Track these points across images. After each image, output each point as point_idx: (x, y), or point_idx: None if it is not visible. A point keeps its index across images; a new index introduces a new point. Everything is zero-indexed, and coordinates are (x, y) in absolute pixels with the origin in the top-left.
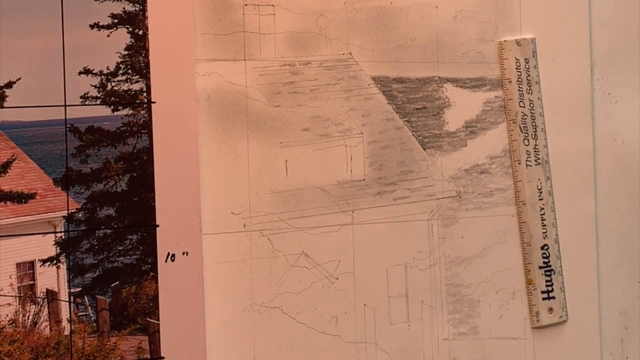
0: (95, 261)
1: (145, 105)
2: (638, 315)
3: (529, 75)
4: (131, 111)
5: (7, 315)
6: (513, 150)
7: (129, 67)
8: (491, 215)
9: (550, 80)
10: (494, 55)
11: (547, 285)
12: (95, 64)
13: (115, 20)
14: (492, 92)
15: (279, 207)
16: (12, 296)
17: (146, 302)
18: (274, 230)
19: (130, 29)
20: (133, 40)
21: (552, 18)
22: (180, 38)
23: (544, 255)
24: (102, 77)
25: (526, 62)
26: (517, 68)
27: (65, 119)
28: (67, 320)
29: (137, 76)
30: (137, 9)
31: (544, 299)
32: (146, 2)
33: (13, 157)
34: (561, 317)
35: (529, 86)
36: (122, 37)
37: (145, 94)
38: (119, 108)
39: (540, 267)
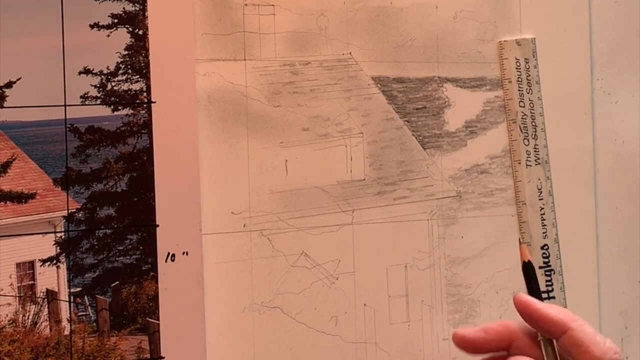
0: (95, 261)
1: (145, 105)
2: (638, 315)
3: (529, 75)
4: (131, 111)
5: (7, 315)
6: (513, 150)
7: (129, 67)
8: (491, 215)
9: (550, 80)
10: (494, 55)
11: (547, 285)
12: (95, 63)
13: (115, 20)
14: (492, 92)
15: (279, 207)
16: (12, 296)
17: (146, 302)
18: (274, 230)
19: (130, 29)
20: (133, 40)
21: (552, 18)
22: (180, 38)
23: (544, 255)
24: (102, 77)
25: (526, 62)
26: (517, 68)
27: (65, 118)
28: (67, 320)
29: (137, 76)
30: (137, 8)
31: (544, 299)
32: (146, 2)
33: (13, 157)
34: None
35: (529, 86)
36: (122, 37)
37: (145, 94)
38: (119, 108)
39: (540, 267)
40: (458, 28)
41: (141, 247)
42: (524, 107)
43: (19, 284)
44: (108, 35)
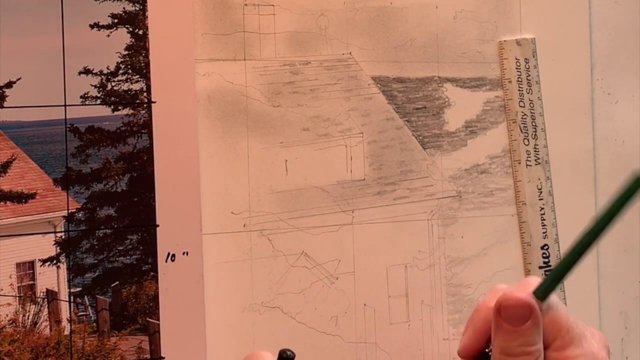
0: (96, 261)
1: (145, 105)
2: (638, 315)
3: (529, 75)
4: (131, 111)
5: (7, 315)
6: (513, 150)
7: (129, 67)
8: (491, 215)
9: (550, 80)
10: (494, 55)
11: None
12: (95, 63)
13: (115, 20)
14: (492, 92)
15: (279, 207)
16: (12, 296)
17: (146, 302)
18: (274, 230)
19: (130, 29)
20: (133, 40)
21: (552, 18)
22: (180, 38)
23: (544, 255)
24: (102, 77)
25: (526, 62)
26: (517, 68)
27: (65, 118)
28: (67, 320)
29: (137, 76)
30: (137, 8)
31: None
32: (146, 2)
33: (13, 157)
34: None
35: (529, 86)
36: (122, 37)
37: (145, 94)
38: (119, 108)
39: (540, 267)
40: (458, 28)
41: (141, 247)
42: (524, 107)
43: (19, 284)
44: (108, 35)
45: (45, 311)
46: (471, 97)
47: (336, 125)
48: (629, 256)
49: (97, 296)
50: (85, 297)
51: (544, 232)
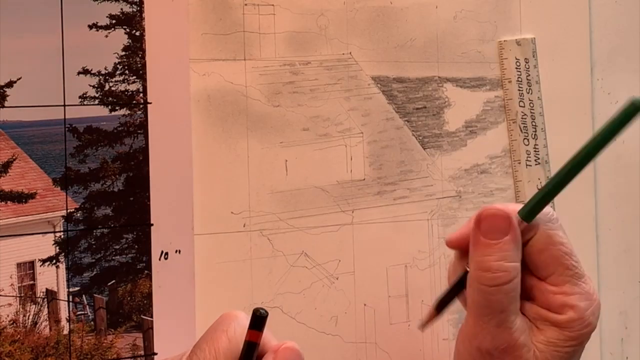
0: (93, 260)
1: (141, 106)
2: (638, 315)
3: (529, 75)
4: (128, 112)
5: (7, 316)
6: (513, 150)
7: (126, 67)
8: None
9: (550, 80)
10: (494, 55)
11: None
12: (93, 64)
13: (114, 21)
14: (492, 92)
15: (279, 207)
16: (13, 296)
17: (140, 300)
18: (274, 230)
19: (128, 30)
20: (130, 41)
21: (552, 18)
22: (175, 40)
23: None
24: (100, 77)
25: (526, 62)
26: (517, 68)
27: (65, 118)
28: (67, 319)
29: (134, 77)
30: (135, 10)
31: None
32: (143, 4)
33: (14, 157)
34: None
35: (529, 86)
36: (119, 37)
37: (142, 95)
38: (117, 108)
39: None
40: (458, 28)
41: (136, 246)
42: (524, 107)
43: (20, 284)
44: (106, 36)
45: (45, 311)
46: (471, 97)
47: (336, 125)
48: (629, 256)
49: (95, 295)
50: (84, 296)
51: None
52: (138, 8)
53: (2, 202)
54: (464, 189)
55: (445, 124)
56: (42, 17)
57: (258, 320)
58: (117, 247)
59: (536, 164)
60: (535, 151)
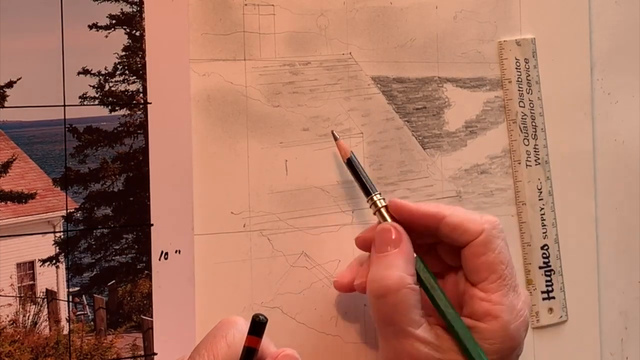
0: (93, 260)
1: (141, 106)
2: (638, 315)
3: (529, 75)
4: (128, 112)
5: (7, 316)
6: (513, 150)
7: (126, 68)
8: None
9: (550, 80)
10: (494, 55)
11: (547, 285)
12: (93, 64)
13: (114, 21)
14: (492, 92)
15: (279, 207)
16: (13, 296)
17: (140, 300)
18: (274, 230)
19: (128, 30)
20: (130, 42)
21: (552, 18)
22: (175, 41)
23: (544, 255)
24: (100, 77)
25: (526, 62)
26: (517, 68)
27: (65, 119)
28: (66, 319)
29: (134, 77)
30: (135, 10)
31: (544, 299)
32: (143, 4)
33: (14, 157)
34: (561, 317)
35: (529, 86)
36: (119, 38)
37: (142, 95)
38: (116, 108)
39: (540, 267)
40: (458, 28)
41: (136, 246)
42: (524, 107)
43: (19, 284)
44: (106, 36)
45: (45, 311)
46: (471, 97)
47: (336, 125)
48: (629, 256)
49: (95, 295)
50: (84, 297)
51: (544, 232)
52: (138, 8)
53: (2, 202)
54: (464, 189)
55: (445, 124)
56: (42, 17)
57: (257, 326)
58: (117, 247)
59: (536, 164)
60: (535, 151)
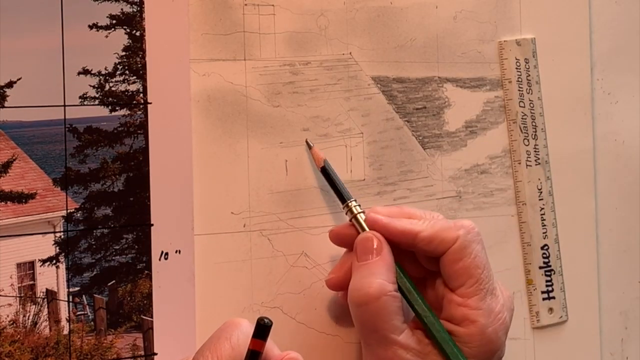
0: (93, 260)
1: (141, 106)
2: (638, 315)
3: (529, 75)
4: (128, 112)
5: (7, 316)
6: (513, 150)
7: (126, 68)
8: (491, 215)
9: (550, 80)
10: (494, 55)
11: (547, 285)
12: (93, 64)
13: (114, 21)
14: (492, 92)
15: (279, 207)
16: (13, 297)
17: (140, 300)
18: (274, 230)
19: (128, 30)
20: (130, 42)
21: (552, 18)
22: (175, 41)
23: (544, 255)
24: (101, 77)
25: (526, 62)
26: (517, 68)
27: (65, 119)
28: (66, 319)
29: (134, 77)
30: (135, 10)
31: (544, 299)
32: (143, 4)
33: (14, 157)
34: (561, 317)
35: (529, 86)
36: (120, 38)
37: (142, 95)
38: (117, 108)
39: (540, 267)
40: (458, 28)
41: (136, 246)
42: (524, 107)
43: (19, 285)
44: (106, 36)
45: (45, 311)
46: (471, 97)
47: (336, 125)
48: (629, 256)
49: (95, 295)
50: (84, 297)
51: (544, 232)
52: (138, 8)
53: (2, 202)
54: (464, 189)
55: (445, 124)
56: (42, 17)
57: (262, 329)
58: (117, 247)
59: (536, 164)
60: (535, 151)
